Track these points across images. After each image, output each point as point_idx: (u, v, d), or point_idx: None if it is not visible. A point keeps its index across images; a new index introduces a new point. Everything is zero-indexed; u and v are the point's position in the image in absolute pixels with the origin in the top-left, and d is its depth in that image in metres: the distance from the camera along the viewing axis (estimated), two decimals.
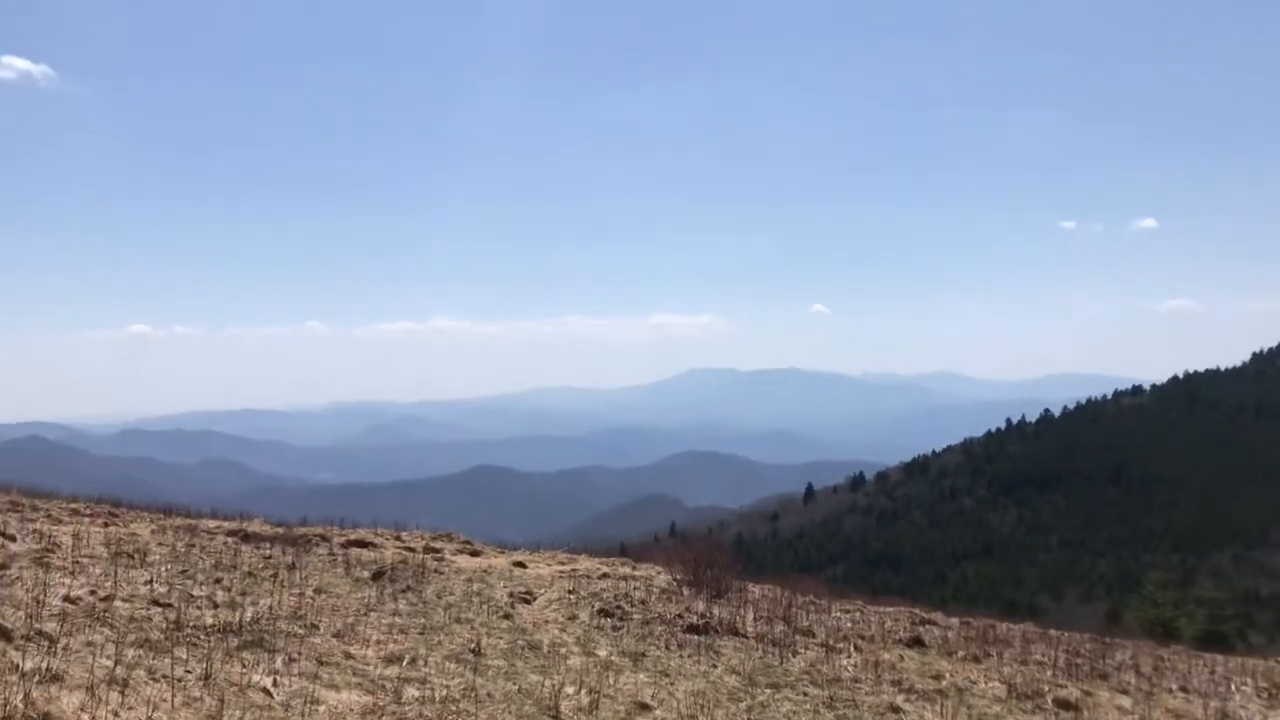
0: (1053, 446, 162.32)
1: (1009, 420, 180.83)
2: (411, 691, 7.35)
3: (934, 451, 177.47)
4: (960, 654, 12.59)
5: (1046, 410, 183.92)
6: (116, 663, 6.52)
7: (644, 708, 7.98)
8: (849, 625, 14.16)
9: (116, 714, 5.57)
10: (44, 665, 6.17)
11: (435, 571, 13.84)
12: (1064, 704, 10.21)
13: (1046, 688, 10.66)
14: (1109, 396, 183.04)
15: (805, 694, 9.33)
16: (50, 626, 7.27)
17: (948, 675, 10.89)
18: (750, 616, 13.37)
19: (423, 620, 10.16)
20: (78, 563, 10.31)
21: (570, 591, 13.58)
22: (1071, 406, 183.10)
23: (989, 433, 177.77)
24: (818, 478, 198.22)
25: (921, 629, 14.62)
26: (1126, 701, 10.95)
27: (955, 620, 16.62)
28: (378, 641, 8.80)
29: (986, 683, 10.72)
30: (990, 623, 16.77)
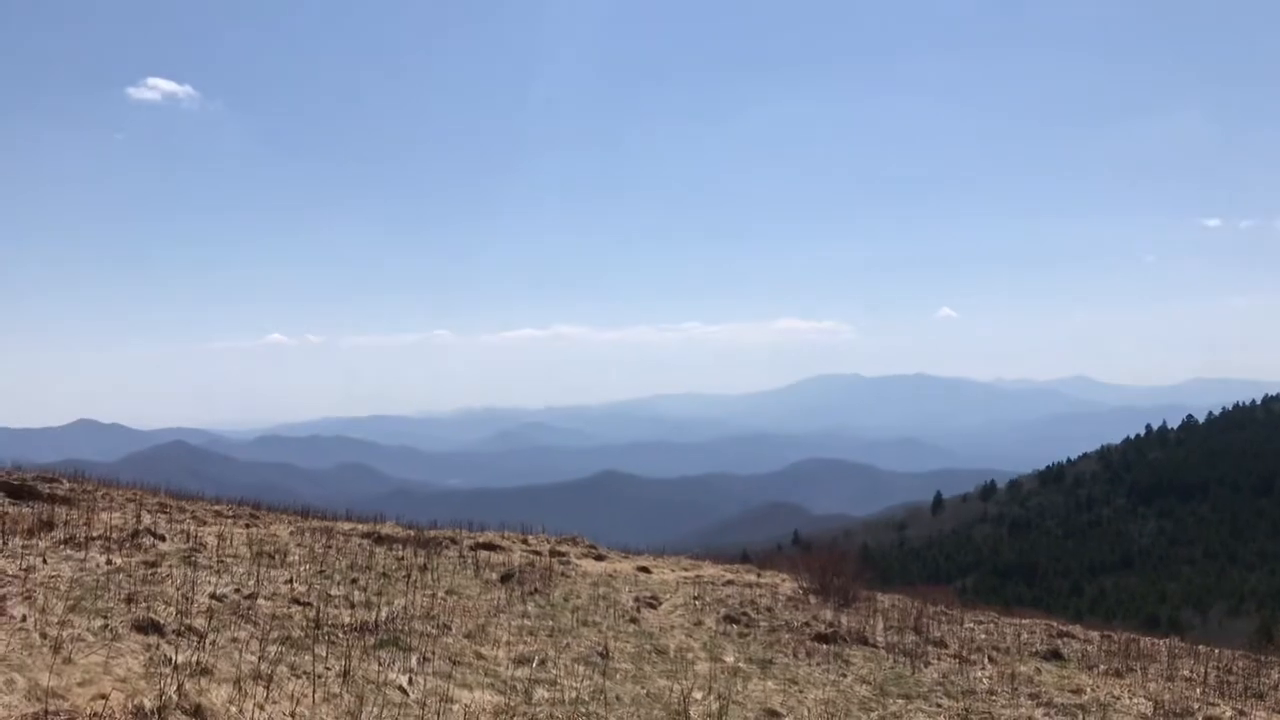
0: (1197, 454, 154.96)
1: (1149, 426, 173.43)
2: (542, 693, 7.44)
3: (1069, 459, 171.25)
4: (1102, 668, 12.12)
5: (1190, 416, 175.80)
6: (261, 658, 6.76)
7: (773, 715, 7.90)
8: (982, 637, 13.78)
9: (262, 707, 5.77)
10: (194, 659, 6.45)
11: (562, 575, 14.00)
12: None
13: (1197, 706, 10.15)
14: (1258, 401, 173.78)
15: (939, 705, 9.11)
16: (199, 622, 7.59)
17: (1089, 690, 10.49)
18: (880, 626, 13.14)
19: (551, 623, 10.28)
20: (222, 562, 10.74)
21: (695, 597, 13.58)
22: (1217, 412, 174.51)
23: (1128, 439, 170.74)
24: (946, 486, 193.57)
25: (1059, 642, 14.12)
26: None
27: (1095, 634, 16.01)
28: (507, 643, 8.93)
29: (1131, 699, 10.28)
30: (1133, 637, 16.08)
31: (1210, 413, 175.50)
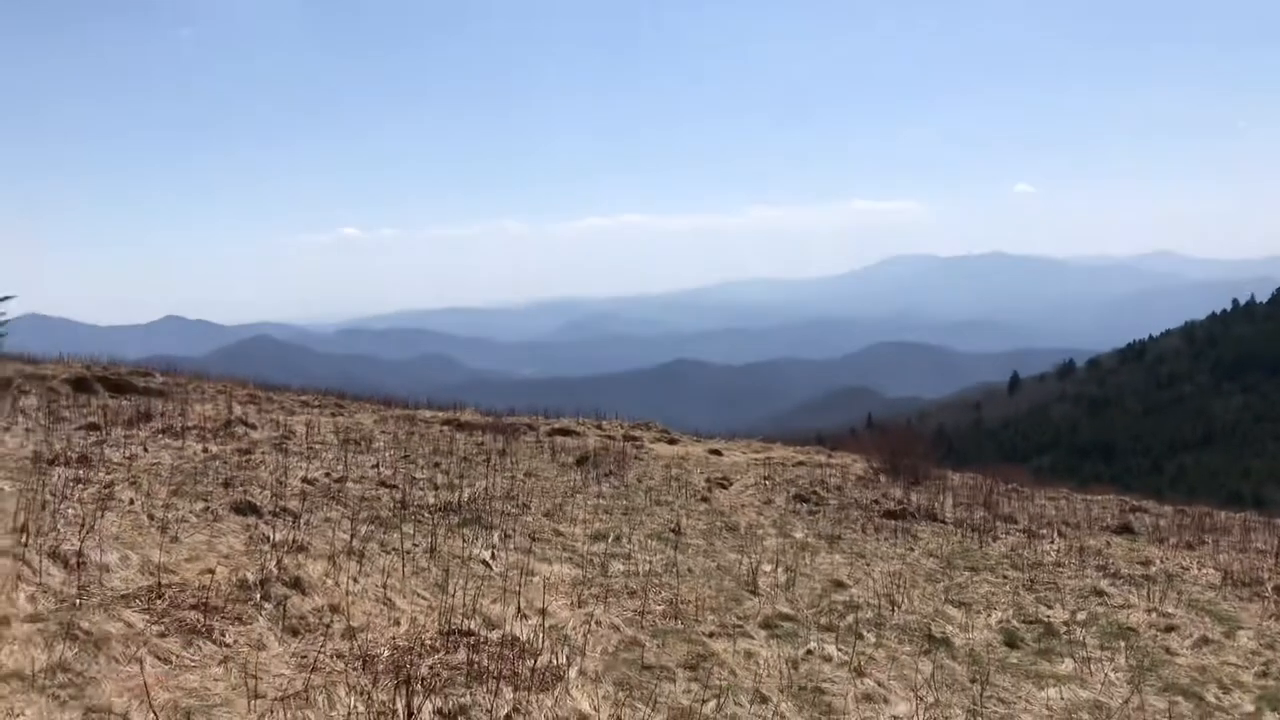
0: None
1: (1235, 301, 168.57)
2: (617, 566, 7.78)
3: (1151, 336, 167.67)
4: (1173, 542, 12.20)
5: (1279, 289, 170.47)
6: (352, 536, 7.16)
7: (840, 585, 8.17)
8: (1053, 513, 13.91)
9: (356, 580, 6.16)
10: (290, 537, 6.87)
11: (635, 458, 14.36)
12: None
13: (1267, 575, 10.23)
14: None
15: (1005, 576, 9.31)
16: (292, 504, 8.04)
17: (1158, 561, 10.60)
18: (949, 503, 13.32)
19: (624, 502, 10.64)
20: (311, 448, 11.25)
21: (765, 478, 13.86)
22: None
23: (1213, 314, 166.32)
24: (1023, 366, 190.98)
25: (1131, 516, 14.21)
26: None
27: (1169, 508, 16.05)
28: (584, 520, 9.29)
29: (1199, 569, 10.38)
30: (1206, 511, 16.08)
31: None
